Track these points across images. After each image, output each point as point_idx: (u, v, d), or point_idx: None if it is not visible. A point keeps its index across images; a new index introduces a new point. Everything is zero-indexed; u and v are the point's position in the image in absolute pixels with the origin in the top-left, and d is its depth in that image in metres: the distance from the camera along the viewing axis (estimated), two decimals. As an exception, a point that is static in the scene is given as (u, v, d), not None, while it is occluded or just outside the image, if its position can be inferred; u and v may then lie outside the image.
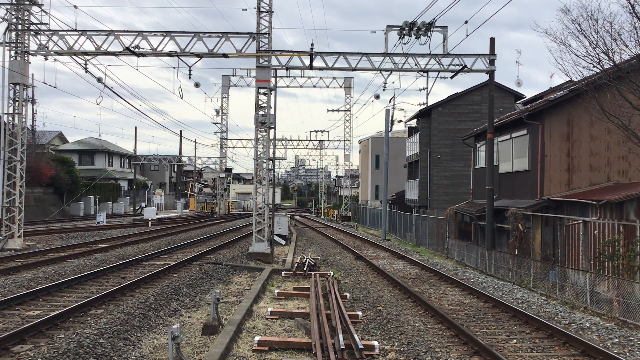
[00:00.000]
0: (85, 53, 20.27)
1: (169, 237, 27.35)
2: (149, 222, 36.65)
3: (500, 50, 32.74)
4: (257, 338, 8.68)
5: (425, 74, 21.78)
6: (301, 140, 56.36)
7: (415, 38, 19.35)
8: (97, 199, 50.07)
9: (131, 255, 18.73)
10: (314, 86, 46.94)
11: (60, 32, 20.07)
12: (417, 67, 20.30)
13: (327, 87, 47.38)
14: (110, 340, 8.18)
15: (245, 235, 27.84)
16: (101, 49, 19.84)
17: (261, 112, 19.52)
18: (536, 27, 55.99)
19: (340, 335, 8.36)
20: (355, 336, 8.44)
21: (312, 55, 19.84)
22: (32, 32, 20.46)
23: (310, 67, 20.14)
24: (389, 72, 20.85)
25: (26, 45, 20.52)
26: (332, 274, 15.76)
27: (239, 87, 55.65)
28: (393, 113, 35.55)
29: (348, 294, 12.91)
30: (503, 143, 21.07)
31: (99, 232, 28.34)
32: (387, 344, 8.89)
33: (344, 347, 7.96)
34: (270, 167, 20.31)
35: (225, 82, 49.93)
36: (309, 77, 46.37)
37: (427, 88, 33.18)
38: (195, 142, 71.14)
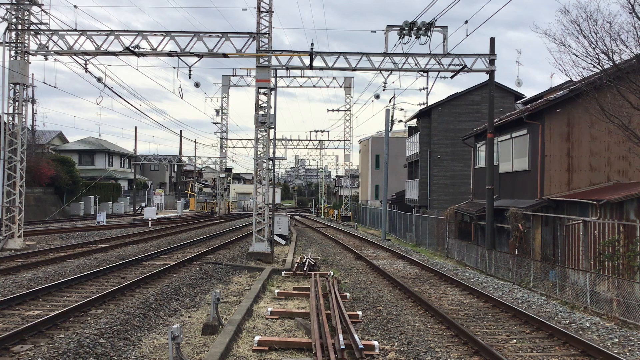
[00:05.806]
0: (85, 53, 20.27)
1: (169, 237, 27.36)
2: (149, 222, 36.65)
3: (500, 50, 32.91)
4: (257, 338, 8.68)
5: (425, 74, 21.76)
6: (301, 140, 56.35)
7: (415, 38, 19.34)
8: (97, 199, 50.07)
9: (131, 255, 18.73)
10: (314, 86, 46.96)
11: (60, 32, 20.07)
12: (417, 67, 20.30)
13: (327, 87, 47.43)
14: (110, 340, 8.18)
15: (245, 235, 27.84)
16: (101, 48, 19.85)
17: (261, 112, 19.52)
18: (535, 29, 55.73)
19: (340, 335, 8.37)
20: (355, 336, 8.45)
21: (312, 55, 19.83)
22: (32, 32, 20.46)
23: (310, 67, 20.13)
24: (389, 72, 20.85)
25: (26, 45, 20.52)
26: (332, 274, 15.76)
27: (238, 87, 55.69)
28: (393, 113, 35.54)
29: (348, 294, 12.91)
30: (503, 143, 21.08)
31: (99, 232, 28.34)
32: (387, 343, 8.89)
33: (344, 347, 7.96)
34: (270, 167, 20.32)
35: (225, 82, 49.88)
36: (308, 77, 46.37)
37: (427, 88, 33.18)
38: (195, 142, 71.03)
